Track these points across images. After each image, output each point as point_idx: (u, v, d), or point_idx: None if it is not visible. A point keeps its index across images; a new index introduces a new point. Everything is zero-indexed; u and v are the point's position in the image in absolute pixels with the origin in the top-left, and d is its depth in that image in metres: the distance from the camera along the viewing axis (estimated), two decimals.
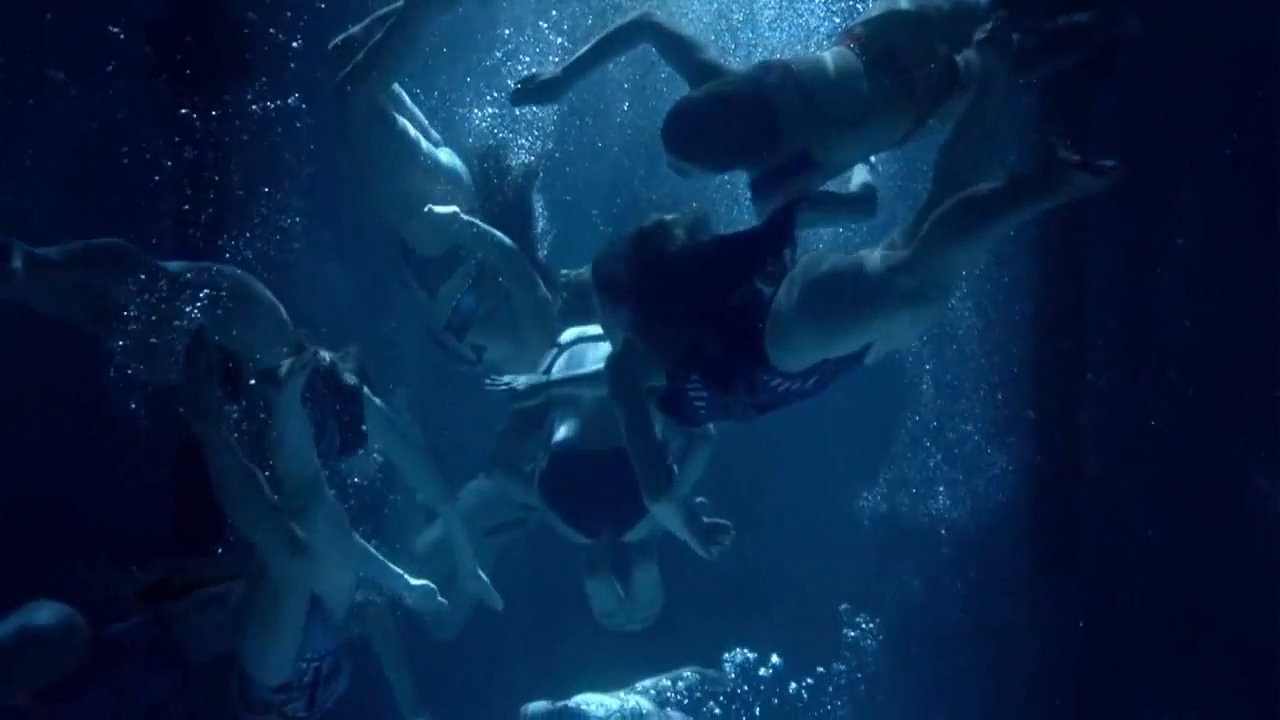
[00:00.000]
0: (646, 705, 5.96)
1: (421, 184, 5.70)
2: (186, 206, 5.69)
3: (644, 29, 4.69)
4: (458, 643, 6.66)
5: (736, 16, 6.33)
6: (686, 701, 6.21)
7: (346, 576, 4.73)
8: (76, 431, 6.11)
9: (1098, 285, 6.74)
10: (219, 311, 4.85)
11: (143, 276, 4.71)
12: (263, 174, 5.91)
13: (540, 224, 6.25)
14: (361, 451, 5.42)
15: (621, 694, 6.04)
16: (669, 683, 6.27)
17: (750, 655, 6.44)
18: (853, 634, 7.22)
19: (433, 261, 5.94)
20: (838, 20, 5.85)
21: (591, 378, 5.01)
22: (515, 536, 6.47)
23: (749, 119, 4.37)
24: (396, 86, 5.70)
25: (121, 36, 5.97)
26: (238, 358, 4.65)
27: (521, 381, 5.22)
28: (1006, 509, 7.17)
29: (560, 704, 5.87)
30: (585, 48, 4.83)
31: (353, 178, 5.86)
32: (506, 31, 6.58)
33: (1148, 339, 6.85)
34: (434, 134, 5.95)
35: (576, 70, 4.84)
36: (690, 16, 6.17)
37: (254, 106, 5.94)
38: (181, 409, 4.13)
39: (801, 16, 6.07)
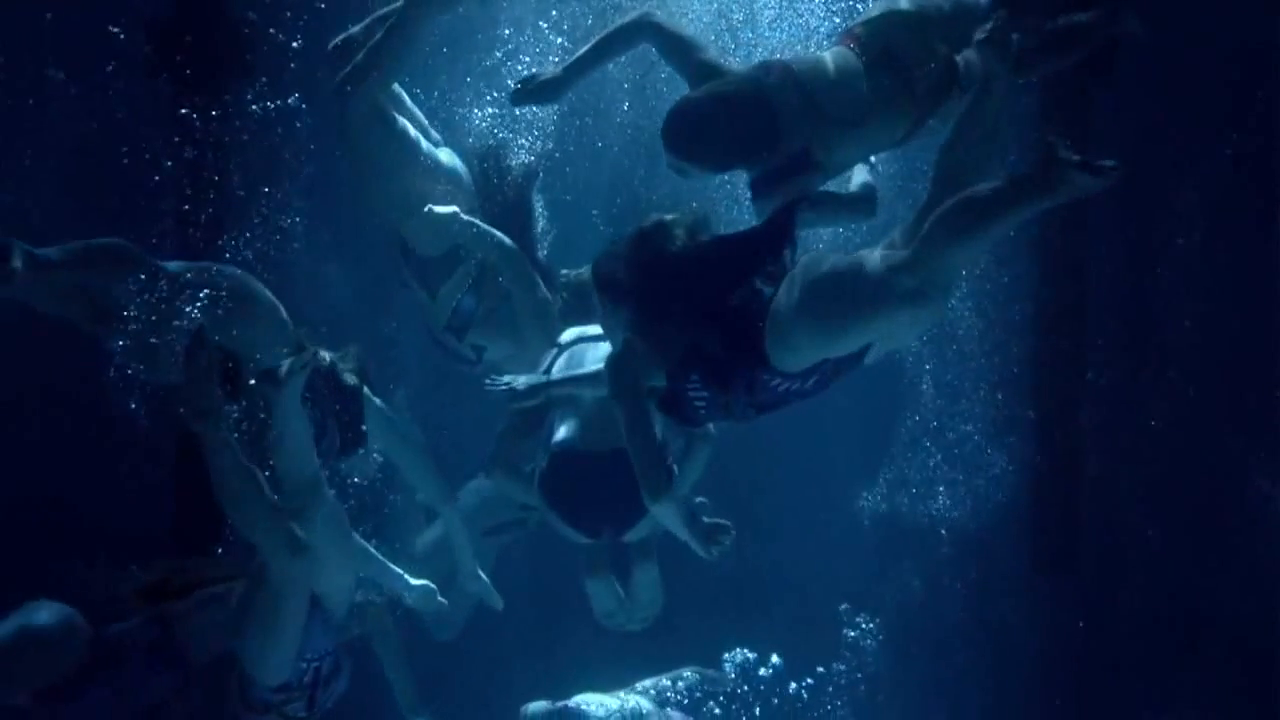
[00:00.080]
0: (646, 705, 5.96)
1: (421, 184, 5.70)
2: (186, 206, 5.69)
3: (644, 29, 4.68)
4: (458, 643, 6.66)
5: (736, 16, 6.33)
6: (686, 701, 6.21)
7: (346, 577, 4.73)
8: (76, 431, 6.11)
9: (1098, 285, 6.74)
10: (219, 311, 4.85)
11: (143, 276, 4.71)
12: (263, 174, 5.91)
13: (540, 224, 6.25)
14: (361, 451, 5.42)
15: (621, 694, 6.04)
16: (669, 683, 6.27)
17: (750, 655, 6.43)
18: (853, 634, 7.21)
19: (433, 262, 5.94)
20: (838, 20, 5.85)
21: (591, 378, 5.00)
22: (515, 537, 6.47)
23: (749, 119, 4.37)
24: (396, 87, 5.70)
25: (121, 36, 5.97)
26: (238, 358, 4.65)
27: (521, 382, 5.22)
28: (1006, 509, 7.17)
29: (560, 704, 5.87)
30: (585, 48, 4.82)
31: (353, 178, 5.86)
32: (507, 31, 6.58)
33: (1148, 339, 6.85)
34: (434, 134, 5.95)
35: (576, 70, 4.83)
36: (690, 16, 6.17)
37: (254, 106, 5.94)
38: (181, 409, 4.12)
39: (801, 16, 6.06)
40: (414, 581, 5.42)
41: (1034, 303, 6.81)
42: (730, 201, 6.20)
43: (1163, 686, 6.62)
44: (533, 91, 4.90)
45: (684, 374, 4.18)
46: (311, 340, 4.96)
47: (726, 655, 6.44)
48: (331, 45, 5.69)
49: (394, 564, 5.40)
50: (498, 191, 6.08)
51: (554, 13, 6.43)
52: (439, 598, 5.53)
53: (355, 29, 5.65)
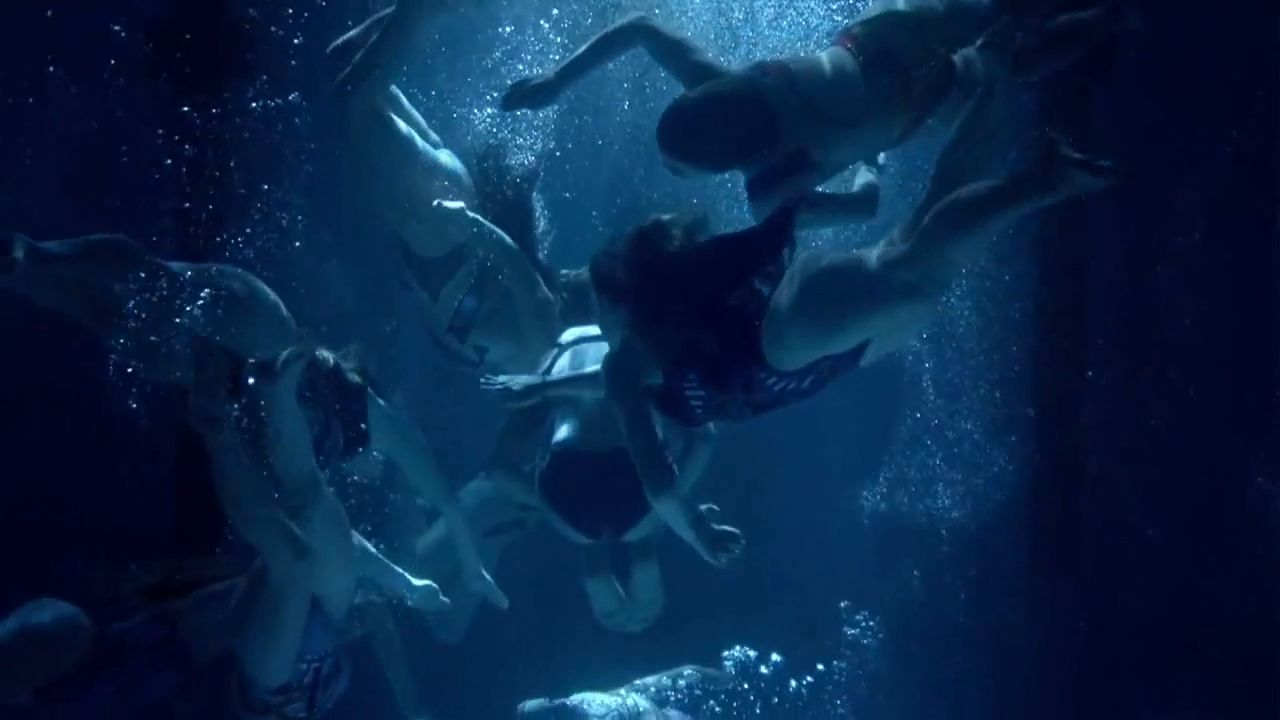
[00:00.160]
0: (644, 704, 5.97)
1: (421, 185, 5.70)
2: (187, 205, 5.69)
3: (637, 33, 4.66)
4: (459, 643, 6.66)
5: (736, 15, 6.32)
6: (687, 700, 6.22)
7: (347, 578, 4.73)
8: (76, 430, 6.11)
9: (1098, 284, 6.74)
10: (219, 311, 4.84)
11: (143, 274, 4.71)
12: (263, 172, 5.91)
13: (540, 224, 6.25)
14: (363, 451, 5.42)
15: (622, 692, 6.05)
16: (669, 681, 6.27)
17: (751, 653, 6.44)
18: (853, 632, 7.21)
19: (434, 263, 5.94)
20: (839, 19, 5.84)
21: (589, 378, 5.00)
22: (514, 537, 6.47)
23: (745, 119, 4.37)
24: (395, 88, 5.70)
25: (122, 35, 5.97)
26: (241, 360, 4.64)
27: (518, 382, 5.22)
28: (1006, 508, 7.17)
29: (558, 702, 5.88)
30: (578, 52, 4.79)
31: (353, 179, 5.86)
32: (508, 29, 6.57)
33: (1148, 338, 6.85)
34: (433, 135, 5.95)
35: (569, 74, 4.80)
36: (690, 15, 6.17)
37: (254, 104, 5.94)
38: (189, 416, 4.12)
39: (801, 15, 6.06)
40: (416, 581, 5.42)
41: (1034, 301, 6.81)
42: (731, 200, 6.20)
43: (1163, 686, 6.62)
44: (525, 95, 4.88)
45: (681, 373, 4.18)
46: (313, 340, 4.96)
47: (727, 653, 6.45)
48: (330, 48, 5.69)
49: (395, 564, 5.40)
50: (498, 191, 6.08)
51: (555, 11, 6.43)
52: (441, 597, 5.53)
53: (353, 32, 5.65)
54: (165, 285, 4.75)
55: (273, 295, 5.18)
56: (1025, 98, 5.91)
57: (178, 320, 4.73)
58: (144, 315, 4.70)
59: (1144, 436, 6.71)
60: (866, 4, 4.91)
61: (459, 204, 5.70)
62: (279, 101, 5.98)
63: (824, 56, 4.48)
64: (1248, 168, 6.44)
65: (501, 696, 6.25)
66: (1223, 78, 6.42)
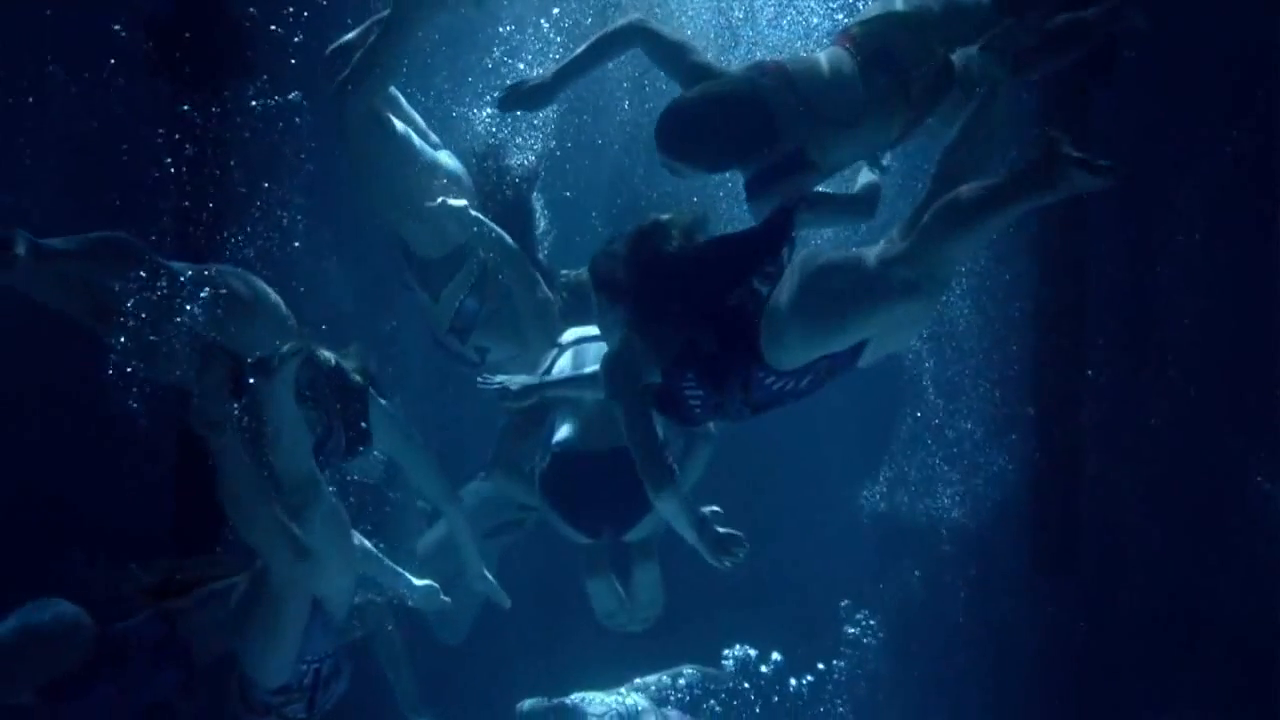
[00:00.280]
0: (643, 703, 5.97)
1: (422, 186, 5.70)
2: (187, 205, 5.69)
3: (634, 35, 4.64)
4: (460, 643, 6.66)
5: (736, 15, 6.32)
6: (687, 699, 6.21)
7: (347, 579, 4.72)
8: (76, 430, 6.11)
9: (1098, 283, 6.74)
10: (219, 311, 4.84)
11: (144, 274, 4.71)
12: (263, 172, 5.91)
13: (541, 224, 6.25)
14: (363, 450, 5.42)
15: (621, 691, 6.05)
16: (669, 680, 6.27)
17: (751, 652, 6.44)
18: (853, 632, 7.21)
19: (435, 264, 5.94)
20: (839, 19, 5.84)
21: (589, 379, 5.00)
22: (514, 538, 6.47)
23: (743, 119, 4.36)
24: (394, 90, 5.69)
25: (122, 34, 5.96)
26: (243, 361, 4.63)
27: (515, 382, 5.21)
28: (1007, 508, 7.17)
29: (556, 701, 5.87)
30: (574, 53, 4.76)
31: (353, 179, 5.86)
32: (509, 27, 6.56)
33: (1148, 337, 6.86)
34: (433, 137, 5.95)
35: (565, 76, 4.78)
36: (690, 15, 6.17)
37: (254, 103, 5.94)
38: (192, 419, 4.12)
39: (801, 15, 6.05)
40: (417, 581, 5.42)
41: (1034, 301, 6.81)
42: (732, 200, 6.19)
43: (1163, 686, 6.62)
44: (521, 97, 4.87)
45: (680, 372, 4.18)
46: (314, 340, 4.96)
47: (727, 652, 6.45)
48: (329, 50, 5.68)
49: (396, 564, 5.40)
50: (497, 191, 6.08)
51: (555, 10, 6.43)
52: (442, 597, 5.53)
53: (352, 34, 5.65)
54: (166, 284, 4.74)
55: (273, 295, 5.18)
56: (1025, 97, 5.91)
57: (178, 319, 4.73)
58: (144, 314, 4.70)
59: (1144, 436, 6.71)
60: (866, 4, 4.91)
61: (462, 201, 5.71)
62: (279, 100, 5.98)
63: (822, 57, 4.47)
64: (1248, 167, 6.44)
65: (502, 696, 6.24)
66: (1223, 78, 6.42)
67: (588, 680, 6.09)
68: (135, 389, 4.88)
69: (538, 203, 6.28)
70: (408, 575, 5.39)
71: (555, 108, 6.18)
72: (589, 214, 7.15)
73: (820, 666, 6.73)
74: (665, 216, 4.32)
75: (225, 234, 5.62)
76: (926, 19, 4.40)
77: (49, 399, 6.19)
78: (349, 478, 5.63)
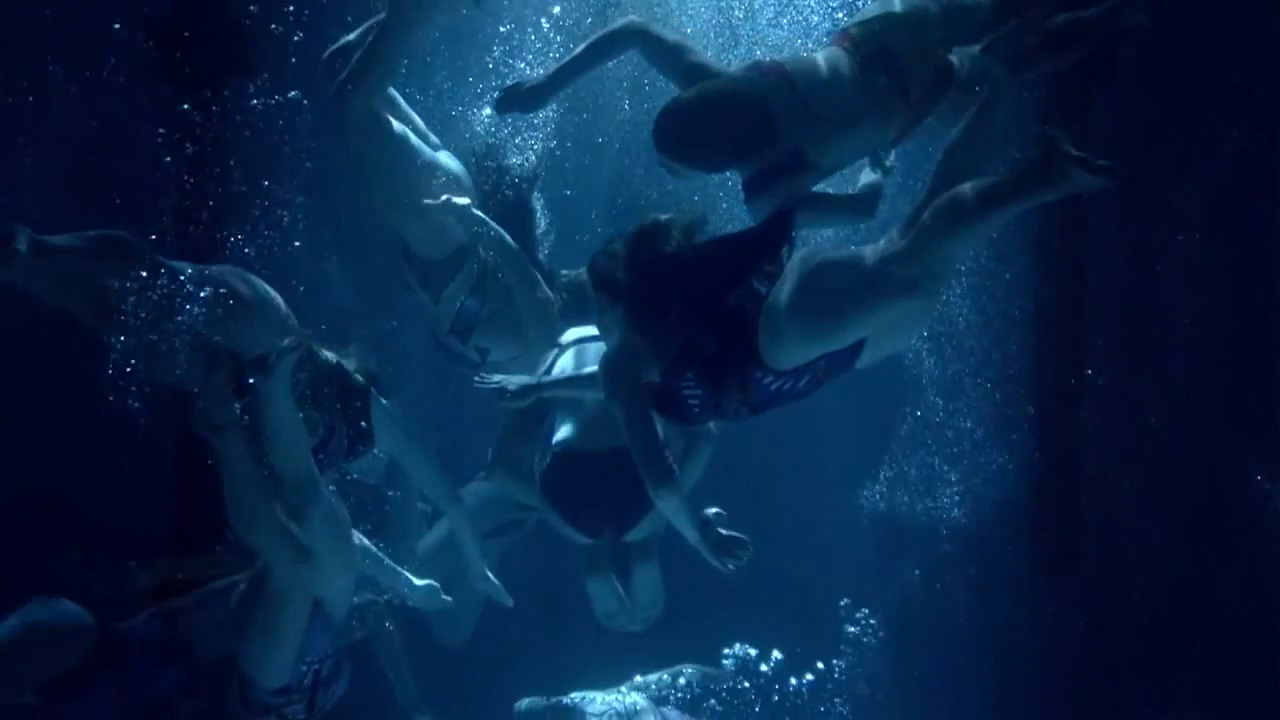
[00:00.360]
0: (642, 702, 5.97)
1: (422, 186, 5.70)
2: (187, 204, 5.68)
3: (630, 36, 4.64)
4: (463, 644, 6.66)
5: (736, 15, 6.32)
6: (687, 699, 6.21)
7: (347, 580, 4.72)
8: (76, 430, 6.10)
9: (1098, 283, 6.73)
10: (220, 310, 4.84)
11: (144, 273, 4.71)
12: (263, 171, 5.90)
13: (541, 224, 6.25)
14: (365, 450, 5.42)
15: (620, 690, 6.05)
16: (669, 679, 6.27)
17: (751, 651, 6.44)
18: (853, 631, 7.21)
19: (435, 265, 5.94)
20: (839, 18, 5.84)
21: (587, 379, 5.00)
22: (514, 538, 6.47)
23: (741, 119, 4.36)
24: (393, 91, 5.69)
25: (122, 34, 5.96)
26: (244, 362, 4.63)
27: (513, 382, 5.21)
28: (1006, 507, 7.17)
29: (554, 700, 5.87)
30: (570, 55, 4.76)
31: (353, 180, 5.86)
32: (509, 26, 6.56)
33: (1148, 337, 6.85)
34: (433, 137, 5.95)
35: (561, 78, 4.78)
36: (690, 15, 6.17)
37: (254, 103, 5.93)
38: (196, 422, 4.12)
39: (801, 15, 6.05)
40: (417, 581, 5.42)
41: (1034, 301, 6.81)
42: (733, 199, 6.19)
43: (1163, 686, 6.62)
44: (518, 98, 4.87)
45: (679, 372, 4.18)
46: (315, 340, 4.96)
47: (727, 651, 6.45)
48: (328, 51, 5.68)
49: (397, 564, 5.40)
50: (497, 191, 6.08)
51: (555, 10, 6.42)
52: (443, 596, 5.53)
53: (352, 35, 5.64)
54: (166, 283, 4.74)
55: (273, 294, 5.18)
56: (1026, 96, 5.91)
57: (178, 319, 4.73)
58: (144, 314, 4.70)
59: (1144, 436, 6.71)
60: (865, 4, 4.91)
61: (465, 200, 5.71)
62: (279, 100, 5.98)
63: (821, 57, 4.47)
64: (1248, 166, 6.44)
65: (503, 696, 6.24)
66: (1223, 78, 6.42)
67: (588, 679, 6.09)
68: (135, 389, 4.88)
69: (538, 203, 6.27)
70: (408, 575, 5.39)
71: (555, 108, 6.18)
72: (589, 214, 7.14)
73: (820, 666, 6.73)
74: (665, 216, 4.32)
75: (225, 233, 5.61)
76: (925, 19, 4.40)
77: (49, 399, 6.18)
78: (349, 477, 5.62)
